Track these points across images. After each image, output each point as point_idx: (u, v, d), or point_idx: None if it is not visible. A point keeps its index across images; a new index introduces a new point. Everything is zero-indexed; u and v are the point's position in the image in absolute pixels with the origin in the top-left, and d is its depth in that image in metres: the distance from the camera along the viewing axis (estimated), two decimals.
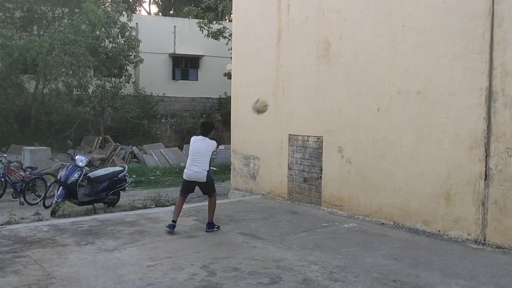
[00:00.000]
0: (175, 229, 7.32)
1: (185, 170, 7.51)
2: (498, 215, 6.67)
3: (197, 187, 7.62)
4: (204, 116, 25.60)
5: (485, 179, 6.78)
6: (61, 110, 20.99)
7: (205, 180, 7.40)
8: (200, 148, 7.40)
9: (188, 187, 7.55)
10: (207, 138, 7.47)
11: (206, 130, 7.55)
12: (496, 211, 6.68)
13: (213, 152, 7.57)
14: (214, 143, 7.52)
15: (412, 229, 7.63)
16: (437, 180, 7.34)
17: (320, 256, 6.20)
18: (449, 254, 6.39)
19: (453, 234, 7.15)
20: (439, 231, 7.32)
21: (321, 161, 9.28)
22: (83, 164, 10.19)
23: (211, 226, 7.50)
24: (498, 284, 5.27)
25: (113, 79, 22.37)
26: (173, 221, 7.39)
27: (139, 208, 9.76)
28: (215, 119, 25.78)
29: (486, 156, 6.77)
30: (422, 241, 7.05)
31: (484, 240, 6.81)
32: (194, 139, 7.52)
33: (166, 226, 7.40)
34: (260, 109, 7.89)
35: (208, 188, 7.58)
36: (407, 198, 7.76)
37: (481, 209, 6.83)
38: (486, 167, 6.78)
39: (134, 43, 22.70)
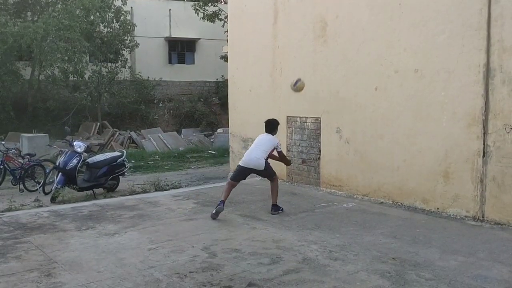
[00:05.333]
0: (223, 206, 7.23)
1: (243, 158, 7.58)
2: (497, 191, 6.70)
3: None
4: (201, 100, 25.53)
5: (483, 156, 6.80)
6: (57, 97, 20.90)
7: (263, 168, 7.47)
8: (263, 140, 7.61)
9: (242, 174, 7.56)
10: (270, 135, 7.69)
11: (273, 129, 7.75)
12: (495, 188, 6.71)
13: (278, 147, 7.70)
14: (276, 139, 7.71)
15: (410, 207, 7.67)
16: (435, 158, 7.36)
17: (319, 236, 6.25)
18: (447, 231, 6.43)
19: (452, 212, 7.19)
20: (438, 208, 7.36)
21: (320, 142, 9.28)
22: (82, 150, 10.18)
23: (276, 208, 7.58)
24: (497, 260, 5.32)
25: (109, 64, 22.24)
26: (222, 201, 7.25)
27: (138, 193, 9.78)
28: (212, 103, 25.74)
29: (484, 134, 6.78)
30: (421, 219, 7.10)
31: (483, 217, 6.85)
32: (261, 136, 7.74)
33: (217, 207, 7.20)
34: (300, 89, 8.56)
35: (268, 173, 7.63)
36: (406, 177, 7.79)
37: (480, 186, 6.86)
38: (484, 144, 6.78)
39: (129, 27, 22.48)
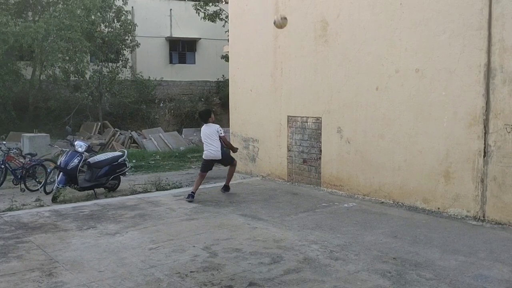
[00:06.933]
0: (193, 199, 8.32)
1: (204, 152, 8.59)
2: (497, 191, 6.70)
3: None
4: (202, 99, 25.55)
5: (484, 156, 6.80)
6: (58, 97, 20.94)
7: (221, 157, 8.62)
8: (207, 132, 8.56)
9: (209, 165, 8.70)
10: (209, 124, 8.59)
11: (204, 118, 8.68)
12: (495, 187, 6.71)
13: (220, 132, 8.54)
14: (216, 126, 8.60)
15: (411, 207, 7.67)
16: (436, 158, 7.36)
17: (320, 236, 6.25)
18: (448, 231, 6.43)
19: (453, 211, 7.19)
20: (439, 208, 7.36)
21: (320, 141, 9.28)
22: (83, 150, 10.19)
23: (227, 189, 8.97)
24: (497, 260, 5.32)
25: (110, 64, 22.27)
26: (192, 192, 8.39)
27: (139, 192, 9.80)
28: (213, 102, 25.77)
29: (485, 133, 6.77)
30: (421, 219, 7.10)
31: (484, 217, 6.85)
32: (202, 128, 8.68)
33: (186, 198, 8.34)
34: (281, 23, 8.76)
35: (226, 161, 8.87)
36: (407, 177, 7.79)
37: (480, 186, 6.86)
38: (485, 144, 6.78)
39: (130, 27, 22.51)
